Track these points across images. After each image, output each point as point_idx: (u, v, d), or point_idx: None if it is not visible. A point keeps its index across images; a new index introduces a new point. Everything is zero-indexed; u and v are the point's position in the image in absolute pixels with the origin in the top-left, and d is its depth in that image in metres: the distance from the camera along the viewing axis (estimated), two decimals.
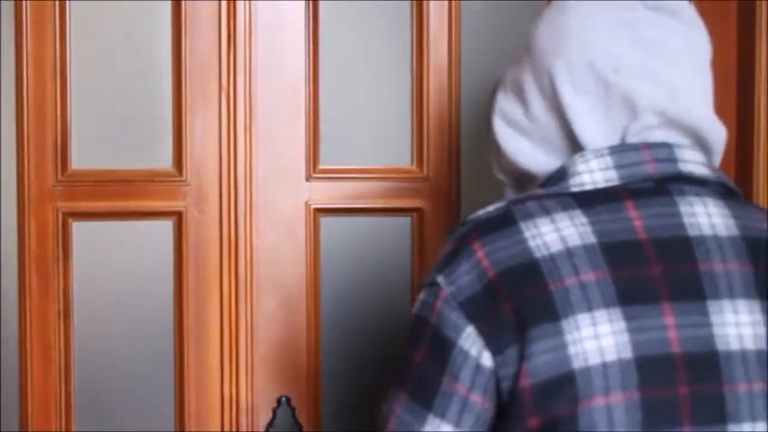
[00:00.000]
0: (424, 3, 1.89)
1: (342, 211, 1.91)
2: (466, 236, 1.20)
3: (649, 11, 1.28)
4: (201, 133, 1.81)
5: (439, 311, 1.18)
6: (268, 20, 1.83)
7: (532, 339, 1.13)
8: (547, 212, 1.20)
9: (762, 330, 1.18)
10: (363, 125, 1.91)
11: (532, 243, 1.17)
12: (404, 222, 1.95)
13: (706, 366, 1.16)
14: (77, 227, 1.79)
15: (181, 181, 1.81)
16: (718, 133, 1.29)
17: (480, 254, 1.18)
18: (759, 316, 1.18)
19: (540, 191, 1.25)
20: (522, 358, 1.13)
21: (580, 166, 1.24)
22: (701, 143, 1.29)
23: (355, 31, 1.89)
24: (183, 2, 1.79)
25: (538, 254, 1.16)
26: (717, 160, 1.31)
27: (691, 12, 1.31)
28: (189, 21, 1.79)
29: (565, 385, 1.12)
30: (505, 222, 1.20)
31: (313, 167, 1.88)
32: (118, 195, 1.80)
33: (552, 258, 1.16)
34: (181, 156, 1.80)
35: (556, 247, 1.17)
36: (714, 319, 1.17)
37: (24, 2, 1.75)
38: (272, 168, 1.85)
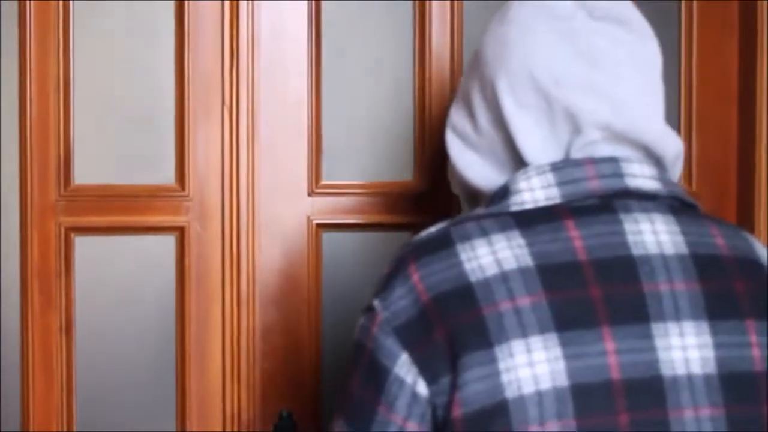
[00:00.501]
0: (426, 15, 1.89)
1: (344, 226, 1.91)
2: (403, 259, 1.16)
3: (593, 21, 1.23)
4: (203, 149, 1.81)
5: (375, 337, 1.14)
6: (270, 35, 1.84)
7: (465, 367, 1.08)
8: (484, 233, 1.15)
9: (710, 353, 1.13)
10: (365, 139, 1.92)
11: (467, 266, 1.13)
12: (405, 237, 1.94)
13: (650, 392, 1.11)
14: (79, 242, 1.79)
15: (184, 196, 1.81)
16: (670, 146, 1.25)
17: (415, 278, 1.14)
18: (707, 338, 1.14)
19: (482, 211, 1.21)
20: (455, 386, 1.09)
21: (521, 184, 1.20)
22: (653, 157, 1.24)
23: (358, 45, 1.89)
24: (185, 16, 1.80)
25: (473, 278, 1.12)
26: (674, 172, 1.27)
27: (639, 20, 1.26)
28: (191, 36, 1.80)
29: (498, 414, 1.08)
30: (443, 244, 1.16)
31: (315, 182, 1.88)
32: (121, 210, 1.80)
33: (487, 282, 1.11)
34: (183, 171, 1.81)
35: (491, 270, 1.12)
36: (658, 342, 1.12)
37: (28, 21, 1.76)
38: (274, 183, 1.85)
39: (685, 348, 1.13)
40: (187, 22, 1.80)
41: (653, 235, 1.18)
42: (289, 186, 1.86)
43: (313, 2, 1.86)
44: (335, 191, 1.89)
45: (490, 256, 1.13)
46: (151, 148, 1.82)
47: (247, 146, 1.82)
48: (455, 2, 1.91)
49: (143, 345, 1.82)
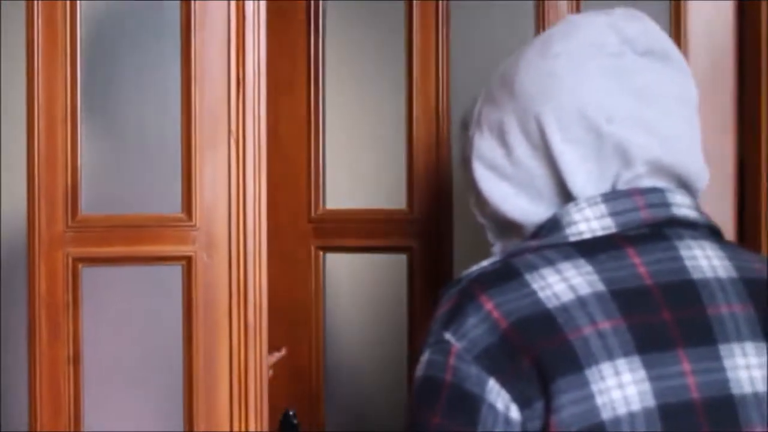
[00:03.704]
0: (414, 52, 2.01)
1: (344, 249, 1.95)
2: (468, 291, 1.19)
3: (639, 57, 1.27)
4: (210, 178, 1.81)
5: (455, 368, 1.16)
6: None
7: (559, 391, 1.12)
8: (550, 262, 1.19)
9: None
10: (364, 170, 1.97)
11: (541, 294, 1.16)
12: (400, 259, 2.06)
13: (724, 410, 1.17)
14: (87, 272, 1.78)
15: (191, 225, 1.81)
16: (704, 178, 1.31)
17: (489, 306, 1.16)
18: (766, 358, 1.20)
19: (534, 243, 1.24)
20: (550, 411, 1.12)
21: (576, 215, 1.24)
22: (685, 186, 1.30)
23: (358, 83, 1.97)
24: (192, 46, 1.80)
25: (549, 305, 1.16)
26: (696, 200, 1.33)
27: (678, 55, 1.31)
28: (198, 66, 1.80)
29: None
30: (509, 275, 1.19)
31: (315, 210, 1.91)
32: (128, 240, 1.79)
33: (565, 308, 1.15)
34: (190, 200, 1.80)
35: (566, 296, 1.16)
36: (726, 363, 1.18)
37: (35, 55, 1.74)
38: (279, 212, 1.88)
39: (748, 367, 1.19)
40: (194, 50, 1.80)
41: (706, 260, 1.24)
42: (293, 214, 1.89)
43: (312, 47, 1.92)
44: (336, 218, 1.93)
45: (563, 283, 1.17)
46: (158, 179, 1.82)
47: (253, 175, 1.82)
48: (441, 52, 2.06)
49: (151, 375, 1.81)
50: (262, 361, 1.81)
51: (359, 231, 2.06)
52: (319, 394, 2.12)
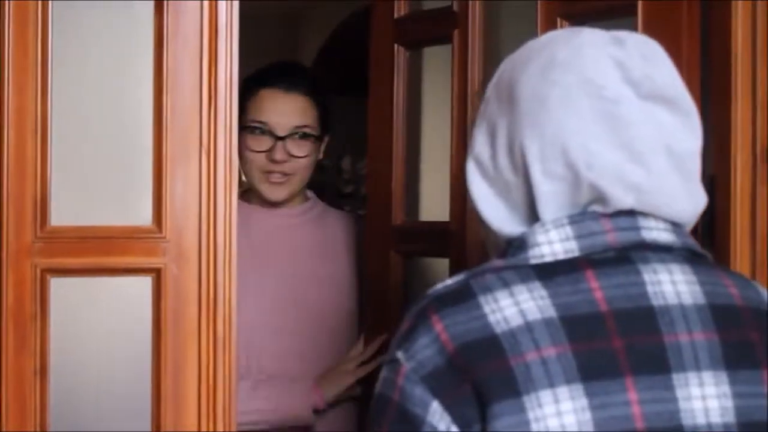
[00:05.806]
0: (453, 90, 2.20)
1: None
2: (424, 311, 1.19)
3: (640, 101, 1.23)
4: (181, 190, 1.80)
5: (402, 387, 1.16)
6: None
7: (494, 416, 1.12)
8: (506, 285, 1.18)
9: (729, 402, 1.17)
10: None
11: (491, 318, 1.16)
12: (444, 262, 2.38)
13: None
14: (55, 283, 1.76)
15: (161, 237, 1.80)
16: (690, 215, 1.27)
17: (438, 328, 1.16)
18: (726, 388, 1.18)
19: (499, 262, 1.23)
20: None
21: (540, 237, 1.22)
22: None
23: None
24: (164, 60, 1.79)
25: (498, 329, 1.15)
26: (689, 225, 1.29)
27: (683, 95, 1.27)
28: (170, 79, 1.79)
29: None
30: (464, 296, 1.18)
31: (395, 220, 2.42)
32: (97, 251, 1.78)
33: (512, 333, 1.15)
34: (160, 212, 1.79)
35: (515, 321, 1.15)
36: (679, 392, 1.16)
37: (6, 62, 1.72)
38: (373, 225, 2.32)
39: (704, 398, 1.17)
40: (166, 63, 1.79)
41: (672, 285, 1.21)
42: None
43: (395, 94, 2.40)
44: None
45: (514, 307, 1.16)
46: (129, 190, 1.81)
47: (224, 188, 1.81)
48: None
49: (118, 387, 1.80)
50: (230, 373, 1.81)
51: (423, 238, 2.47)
52: None
